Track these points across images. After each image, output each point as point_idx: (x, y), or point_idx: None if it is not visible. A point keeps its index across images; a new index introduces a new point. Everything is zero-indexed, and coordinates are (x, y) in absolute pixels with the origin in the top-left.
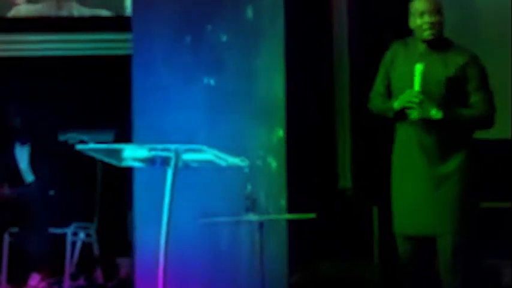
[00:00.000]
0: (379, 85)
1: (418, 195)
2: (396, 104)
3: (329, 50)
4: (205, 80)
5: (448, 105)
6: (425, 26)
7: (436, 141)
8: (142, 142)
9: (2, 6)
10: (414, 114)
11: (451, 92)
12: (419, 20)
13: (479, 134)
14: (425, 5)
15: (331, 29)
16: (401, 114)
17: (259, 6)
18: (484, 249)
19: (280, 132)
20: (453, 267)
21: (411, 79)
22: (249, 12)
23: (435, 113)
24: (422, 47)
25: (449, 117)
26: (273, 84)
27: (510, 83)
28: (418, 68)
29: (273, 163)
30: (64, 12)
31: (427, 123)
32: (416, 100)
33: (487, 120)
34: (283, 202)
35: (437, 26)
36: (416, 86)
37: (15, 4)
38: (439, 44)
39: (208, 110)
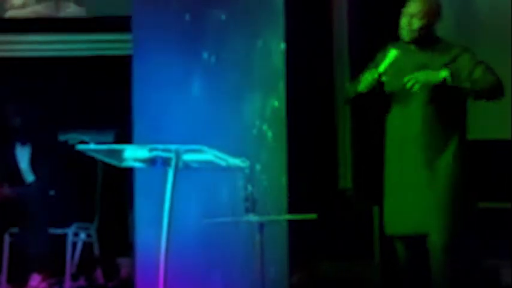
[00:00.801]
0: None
1: (405, 193)
2: (360, 87)
3: (329, 46)
4: (206, 76)
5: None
6: (403, 28)
7: (424, 138)
8: (142, 142)
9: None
10: (416, 87)
11: (445, 90)
12: (402, 20)
13: (479, 134)
14: (409, 8)
15: (331, 25)
16: (364, 97)
17: None
18: (484, 249)
19: (276, 103)
20: (442, 266)
21: (401, 76)
22: None
23: (444, 72)
24: (412, 46)
25: (456, 81)
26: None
27: (510, 83)
28: (393, 52)
29: (269, 132)
30: (62, 13)
31: (416, 118)
32: (375, 76)
33: (496, 89)
34: (283, 180)
35: (415, 30)
36: (382, 67)
37: (13, 5)
38: (428, 43)
39: (209, 106)
